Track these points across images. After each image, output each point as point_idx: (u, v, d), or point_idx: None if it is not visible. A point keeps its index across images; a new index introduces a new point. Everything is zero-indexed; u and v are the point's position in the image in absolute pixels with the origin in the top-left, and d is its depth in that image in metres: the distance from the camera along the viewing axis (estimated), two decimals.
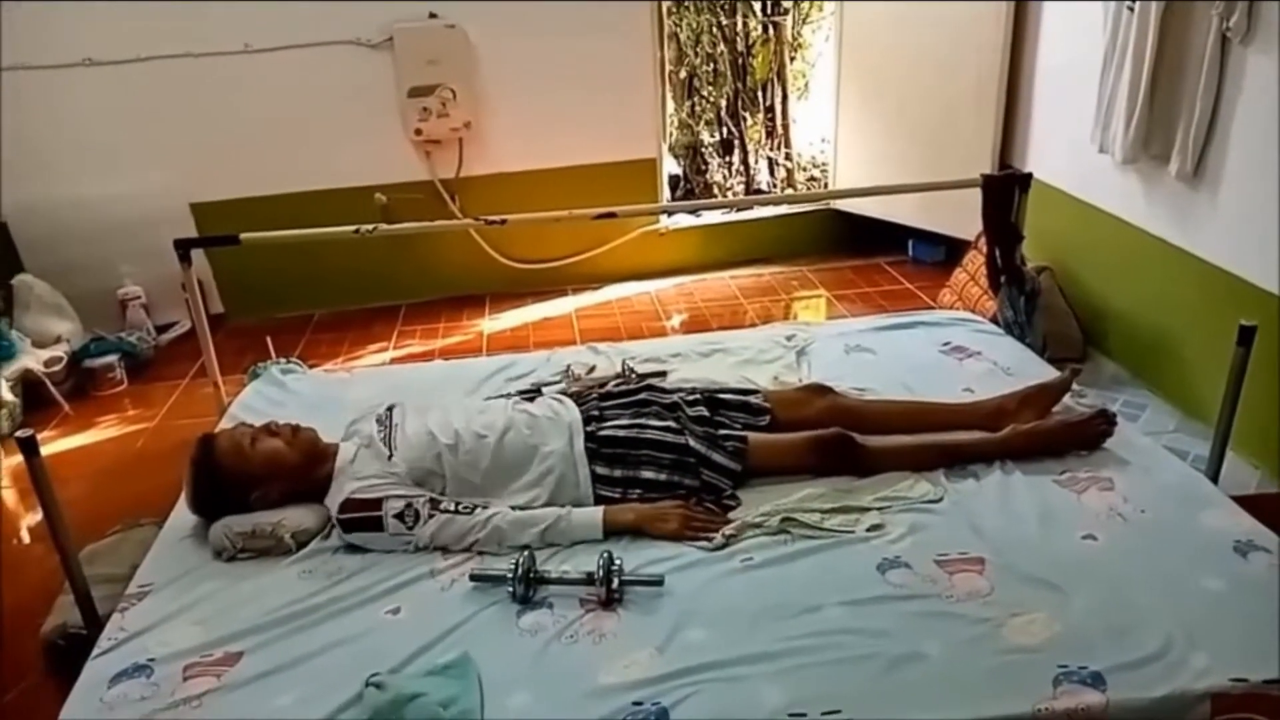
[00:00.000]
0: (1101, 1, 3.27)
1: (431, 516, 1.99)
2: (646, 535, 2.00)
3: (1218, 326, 2.82)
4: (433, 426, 2.16)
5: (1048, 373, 2.57)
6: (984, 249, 3.17)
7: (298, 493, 2.12)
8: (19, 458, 3.30)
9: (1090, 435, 2.23)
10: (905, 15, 4.41)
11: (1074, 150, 3.62)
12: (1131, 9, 3.08)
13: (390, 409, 2.25)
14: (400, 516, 1.98)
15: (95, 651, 1.79)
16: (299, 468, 2.13)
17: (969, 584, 1.80)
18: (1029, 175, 2.96)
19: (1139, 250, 3.34)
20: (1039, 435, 2.23)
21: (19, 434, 1.92)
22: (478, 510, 2.02)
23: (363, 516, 1.99)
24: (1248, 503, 2.03)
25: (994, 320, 3.08)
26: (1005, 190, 2.94)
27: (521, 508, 2.06)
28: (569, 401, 2.30)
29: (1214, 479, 2.21)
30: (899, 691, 1.57)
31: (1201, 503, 2.02)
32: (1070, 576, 1.80)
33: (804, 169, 6.06)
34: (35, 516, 3.14)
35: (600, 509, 2.04)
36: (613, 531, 2.01)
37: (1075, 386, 2.45)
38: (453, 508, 2.02)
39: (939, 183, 3.34)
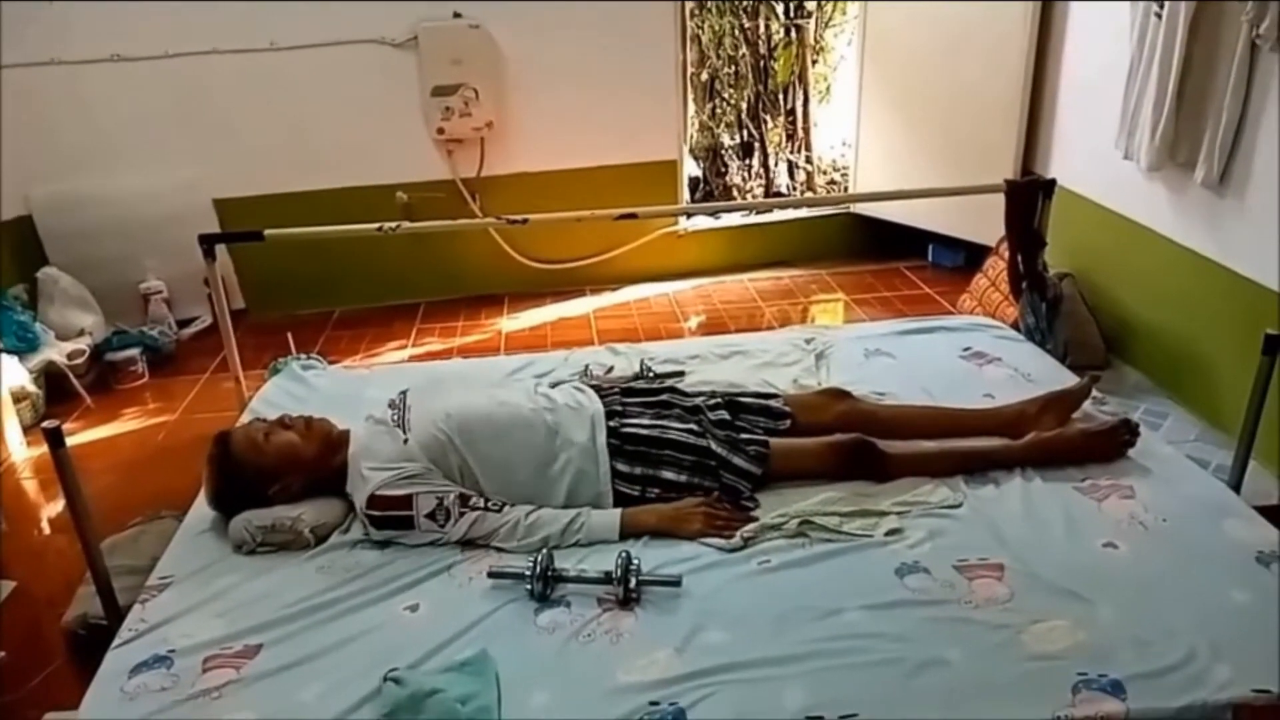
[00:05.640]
0: (1129, 4, 3.25)
1: (462, 515, 1.99)
2: (667, 536, 1.99)
3: (1241, 335, 2.81)
4: (448, 407, 2.15)
5: (1068, 379, 2.55)
6: (1005, 254, 3.16)
7: (316, 484, 2.13)
8: (41, 449, 3.38)
9: (1112, 445, 2.21)
10: (929, 19, 4.40)
11: (1098, 156, 3.60)
12: (1159, 15, 3.06)
13: (404, 393, 2.24)
14: (432, 515, 1.98)
15: (116, 642, 1.80)
16: (315, 459, 2.13)
17: (989, 590, 1.79)
18: (1053, 181, 2.94)
19: (1163, 258, 3.32)
20: (1060, 443, 2.21)
21: (45, 425, 1.92)
22: (506, 509, 2.02)
23: (394, 515, 1.99)
24: (1270, 513, 2.01)
25: (1015, 326, 3.07)
26: (1029, 196, 2.92)
27: (540, 503, 2.06)
28: (591, 392, 2.29)
29: (1236, 489, 2.18)
30: (918, 696, 1.56)
31: (1224, 512, 2.00)
32: (1091, 584, 1.78)
33: (824, 172, 6.06)
34: (55, 507, 3.17)
35: (618, 511, 2.04)
36: (631, 534, 2.00)
37: (1097, 394, 2.44)
38: (482, 504, 2.02)
39: (962, 188, 3.32)
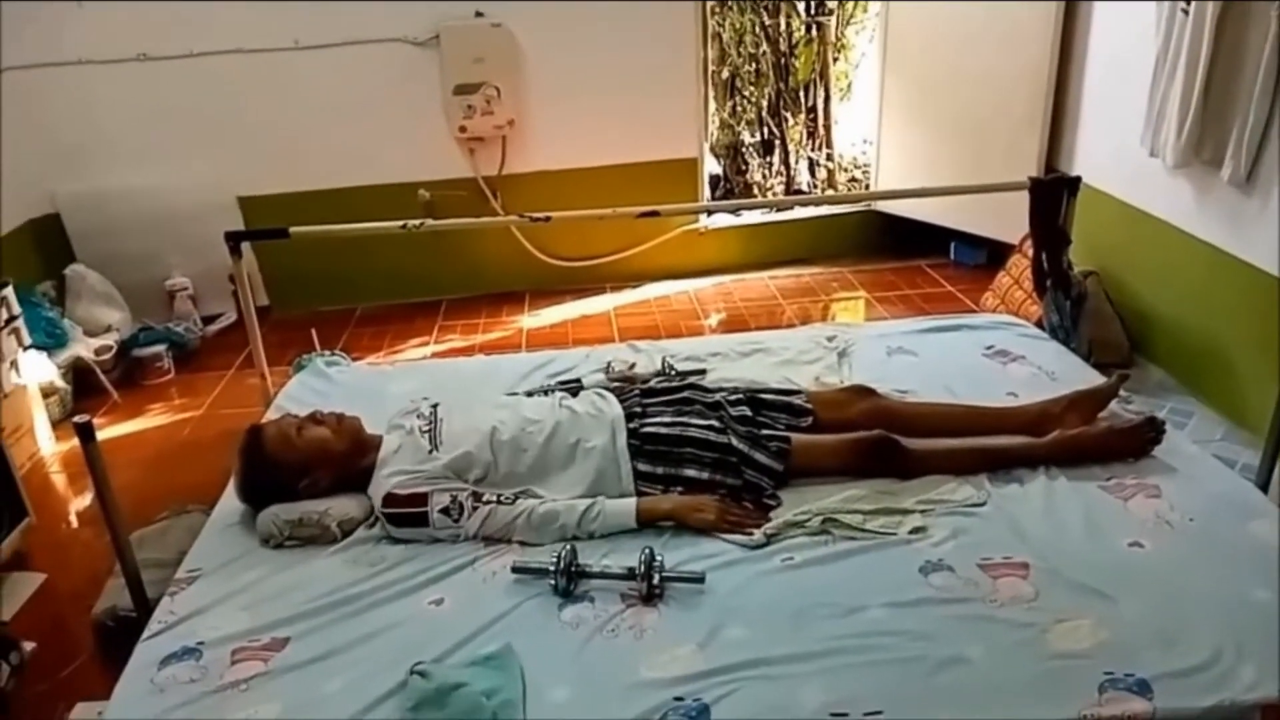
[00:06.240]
0: (1155, 2, 3.23)
1: (475, 509, 2.01)
2: (684, 527, 2.00)
3: (1268, 334, 2.78)
4: (477, 425, 2.17)
5: (1093, 378, 2.54)
6: (1029, 252, 3.14)
7: (344, 480, 2.15)
8: (69, 443, 3.42)
9: (1138, 443, 2.19)
10: (951, 16, 4.38)
11: (1123, 153, 3.57)
12: (1186, 11, 3.03)
13: (435, 406, 2.27)
14: (446, 511, 2.01)
15: (146, 634, 1.82)
16: (345, 455, 2.16)
17: (1013, 589, 1.79)
18: (1078, 179, 2.92)
19: (1188, 256, 3.29)
20: (1085, 441, 2.20)
21: (76, 419, 1.95)
22: (518, 501, 2.04)
23: (409, 512, 2.02)
24: None
25: (1039, 324, 3.05)
26: (1054, 194, 2.90)
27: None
28: (611, 397, 2.30)
29: (1263, 488, 2.17)
30: (942, 694, 1.56)
31: (1250, 512, 1.98)
32: (1117, 583, 1.78)
33: (845, 170, 6.04)
34: (82, 501, 3.21)
35: (634, 499, 2.05)
36: (648, 520, 2.02)
37: (1123, 392, 2.42)
38: (495, 498, 2.04)
39: (985, 185, 3.31)
